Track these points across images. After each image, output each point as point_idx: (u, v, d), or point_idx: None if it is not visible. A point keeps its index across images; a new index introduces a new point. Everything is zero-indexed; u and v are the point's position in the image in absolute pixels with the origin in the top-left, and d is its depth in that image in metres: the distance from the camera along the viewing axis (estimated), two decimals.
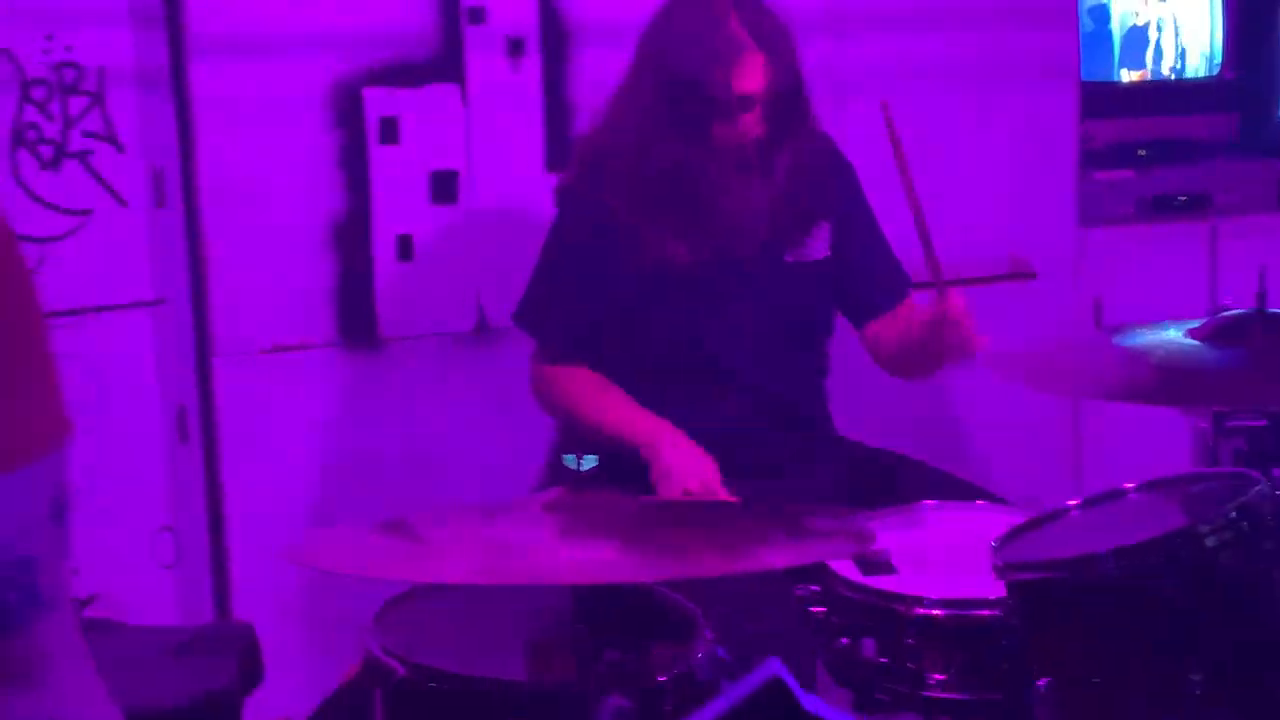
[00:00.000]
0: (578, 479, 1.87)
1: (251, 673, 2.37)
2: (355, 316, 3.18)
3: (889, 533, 2.22)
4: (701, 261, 2.60)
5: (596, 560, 1.83)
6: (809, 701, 1.11)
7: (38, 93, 3.00)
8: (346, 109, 3.13)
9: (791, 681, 1.10)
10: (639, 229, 2.57)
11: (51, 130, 3.02)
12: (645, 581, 1.87)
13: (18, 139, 2.99)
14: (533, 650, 2.02)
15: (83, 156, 3.04)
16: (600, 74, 3.06)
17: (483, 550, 1.92)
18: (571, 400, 2.67)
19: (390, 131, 3.15)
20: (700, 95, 2.52)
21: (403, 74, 3.14)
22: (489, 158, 3.20)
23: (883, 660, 2.07)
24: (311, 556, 1.99)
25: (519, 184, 3.20)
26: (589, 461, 1.87)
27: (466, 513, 2.12)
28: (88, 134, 3.04)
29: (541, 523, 1.96)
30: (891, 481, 2.61)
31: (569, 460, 1.89)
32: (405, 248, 3.18)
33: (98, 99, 3.04)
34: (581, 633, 1.91)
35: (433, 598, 2.17)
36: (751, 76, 2.52)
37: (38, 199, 3.01)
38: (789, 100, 2.56)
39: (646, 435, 2.54)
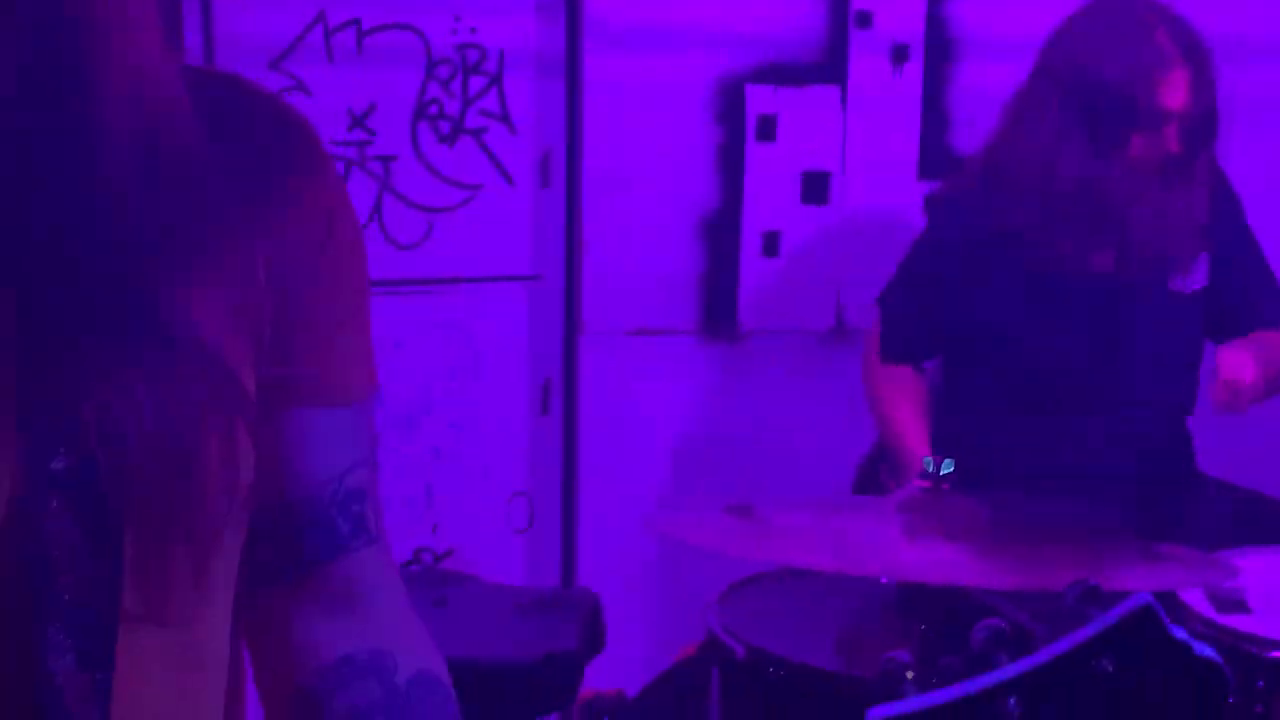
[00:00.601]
0: (934, 481, 1.88)
1: (594, 639, 2.45)
2: (718, 307, 3.26)
3: (1248, 572, 2.15)
4: (1093, 278, 2.58)
5: (943, 561, 1.84)
6: (1178, 631, 1.10)
7: (442, 71, 3.17)
8: (728, 105, 3.21)
9: (1162, 613, 1.10)
10: (1048, 240, 2.56)
11: (452, 107, 3.18)
12: (990, 588, 1.87)
13: (420, 113, 3.17)
14: (867, 645, 2.04)
15: (478, 134, 3.20)
16: (981, 86, 3.05)
17: (830, 540, 1.96)
18: (878, 397, 2.70)
19: (768, 129, 3.21)
20: (1123, 107, 2.49)
21: (786, 73, 3.21)
22: (863, 161, 3.24)
23: (1229, 701, 2.01)
24: (670, 528, 2.06)
25: (890, 189, 3.22)
26: (946, 465, 1.88)
27: (817, 503, 2.16)
28: (484, 113, 3.20)
29: (890, 520, 1.98)
30: (1255, 521, 2.53)
31: (927, 463, 1.90)
32: (772, 244, 3.24)
33: (496, 80, 3.19)
34: (920, 633, 1.92)
35: (775, 584, 2.22)
36: (1178, 91, 2.48)
37: (434, 171, 3.18)
38: (1207, 118, 2.51)
39: (900, 454, 2.57)
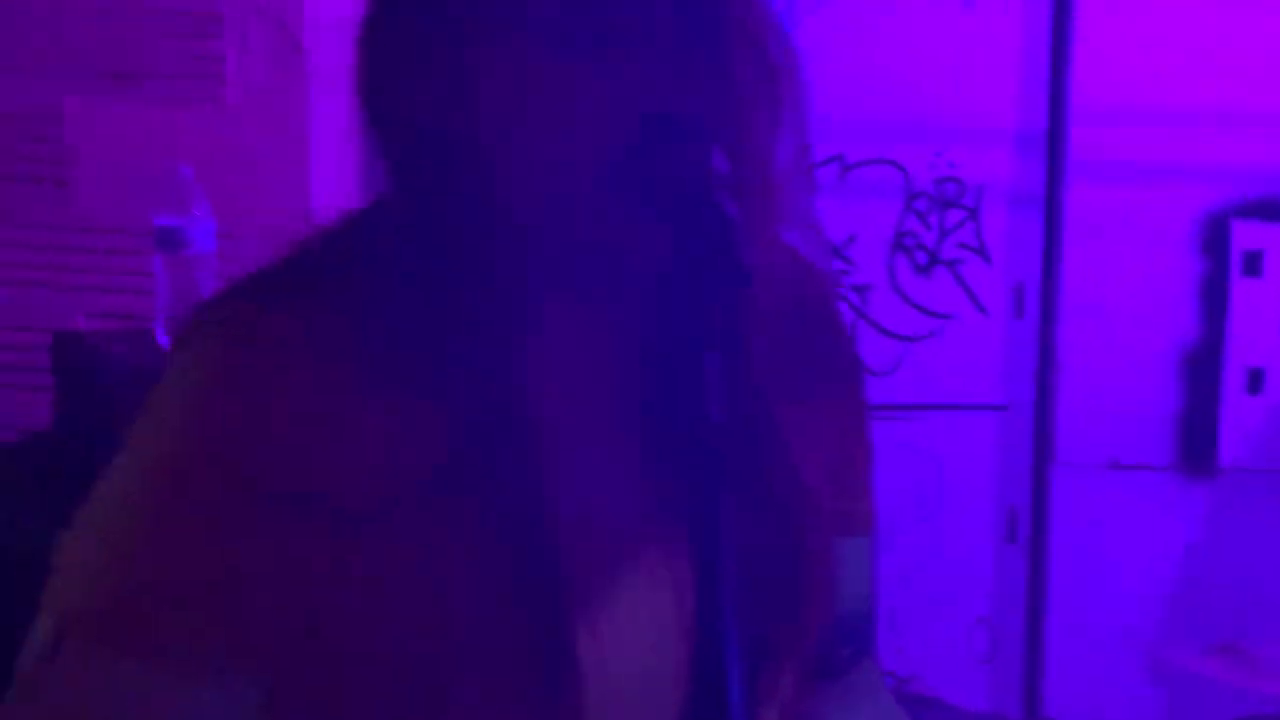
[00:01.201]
0: None
1: None
2: (1197, 444, 3.20)
3: None
4: None
5: None
6: None
7: (920, 204, 3.26)
8: (1212, 239, 3.17)
9: None
10: None
11: (928, 239, 3.27)
12: None
13: (898, 244, 3.26)
14: None
15: (952, 265, 3.27)
16: None
17: None
18: None
19: (1254, 264, 3.16)
20: None
21: (1274, 209, 3.15)
22: None
23: None
24: (1169, 660, 2.05)
25: None
26: None
27: None
28: (961, 245, 3.27)
29: None
30: None
31: None
32: (1256, 381, 3.17)
33: (973, 213, 3.26)
34: None
35: None
36: None
37: (908, 300, 3.26)
38: None
39: None
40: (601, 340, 0.97)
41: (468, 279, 0.92)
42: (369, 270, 0.93)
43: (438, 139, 0.92)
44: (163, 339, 2.14)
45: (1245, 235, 3.16)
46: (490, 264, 0.93)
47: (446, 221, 0.92)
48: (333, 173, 2.41)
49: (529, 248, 0.93)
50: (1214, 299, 3.19)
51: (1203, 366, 3.20)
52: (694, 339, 0.85)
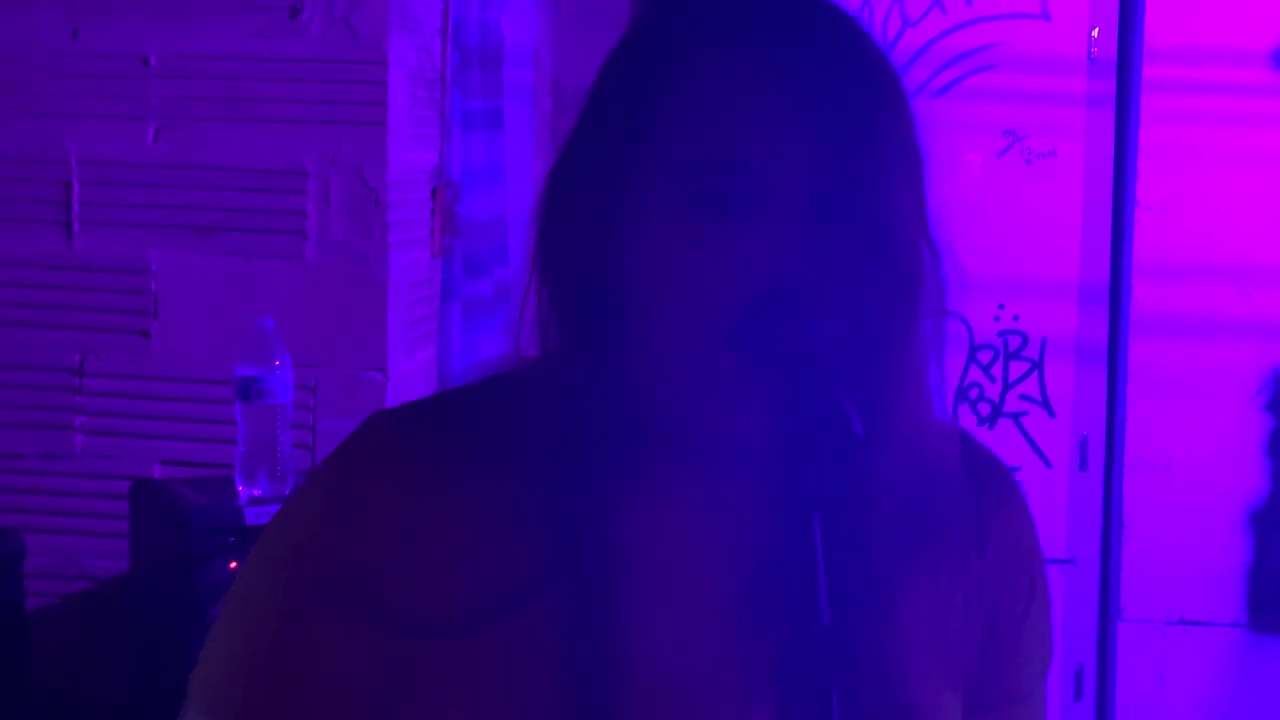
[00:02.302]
0: None
1: None
2: (1265, 599, 3.17)
3: None
4: None
5: None
6: None
7: (983, 356, 3.28)
8: (1276, 394, 3.17)
9: None
10: None
11: (991, 391, 3.28)
12: None
13: (961, 395, 3.28)
14: None
15: (1016, 417, 3.28)
16: None
17: None
18: None
19: None
20: None
21: None
22: None
23: None
24: None
25: None
26: None
27: None
28: (1024, 397, 3.28)
29: None
30: None
31: None
32: None
33: (1036, 366, 3.28)
34: None
35: None
36: None
37: None
38: None
39: None
40: (707, 501, 0.98)
41: (587, 428, 0.96)
42: (501, 411, 0.98)
43: (585, 292, 0.96)
44: (240, 486, 2.17)
45: None
46: (613, 416, 0.96)
47: (579, 372, 0.96)
48: (406, 326, 2.46)
49: (646, 405, 0.95)
50: (1279, 453, 3.18)
51: (1271, 522, 3.18)
52: (799, 507, 0.86)
